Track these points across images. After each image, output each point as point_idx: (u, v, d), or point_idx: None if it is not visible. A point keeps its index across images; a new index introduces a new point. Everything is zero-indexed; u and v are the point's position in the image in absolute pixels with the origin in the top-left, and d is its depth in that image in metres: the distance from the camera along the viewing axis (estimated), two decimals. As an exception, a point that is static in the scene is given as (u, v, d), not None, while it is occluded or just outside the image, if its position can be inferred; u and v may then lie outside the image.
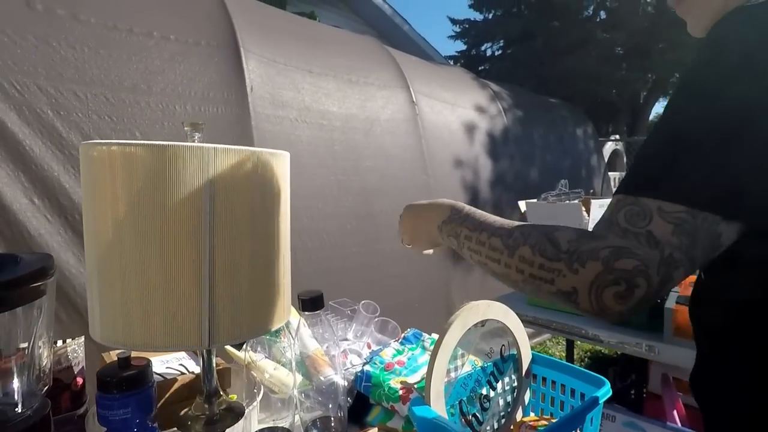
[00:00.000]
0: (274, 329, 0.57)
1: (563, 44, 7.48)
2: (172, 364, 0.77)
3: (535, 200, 1.55)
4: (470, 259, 0.59)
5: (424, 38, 7.10)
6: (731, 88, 0.42)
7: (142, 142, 0.47)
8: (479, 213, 0.61)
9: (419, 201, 0.75)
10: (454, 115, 3.01)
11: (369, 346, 0.94)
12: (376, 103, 2.45)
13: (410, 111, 2.61)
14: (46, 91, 1.42)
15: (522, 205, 1.58)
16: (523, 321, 1.45)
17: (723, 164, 0.42)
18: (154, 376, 0.73)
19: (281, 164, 0.56)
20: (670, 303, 1.14)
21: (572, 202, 1.43)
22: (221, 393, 0.60)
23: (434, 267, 2.51)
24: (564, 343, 2.65)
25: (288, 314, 0.61)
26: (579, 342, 1.46)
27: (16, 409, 0.55)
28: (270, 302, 0.55)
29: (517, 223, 0.55)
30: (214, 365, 0.60)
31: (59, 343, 0.67)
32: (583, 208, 1.40)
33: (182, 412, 0.59)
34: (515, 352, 0.77)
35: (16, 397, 0.56)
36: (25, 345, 0.57)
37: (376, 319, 1.00)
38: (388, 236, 2.29)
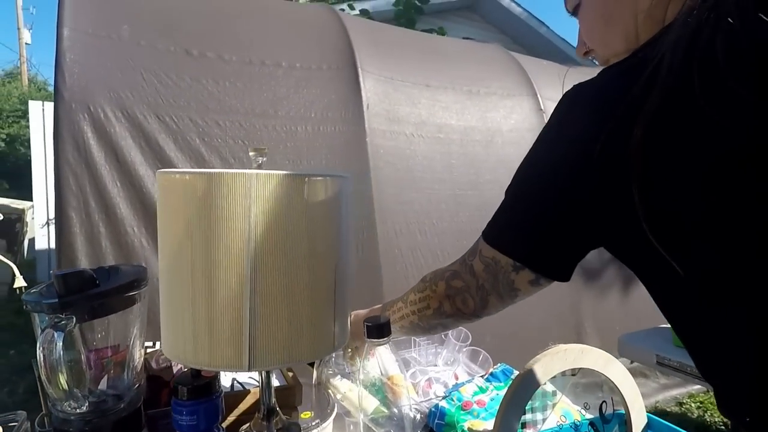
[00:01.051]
0: (324, 356, 0.55)
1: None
2: (255, 374, 0.80)
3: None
4: None
5: (564, 39, 6.59)
6: (542, 154, 0.50)
7: (197, 170, 0.50)
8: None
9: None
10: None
11: (456, 377, 0.86)
12: (498, 114, 2.32)
13: (537, 119, 2.41)
14: (195, 121, 1.67)
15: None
16: (666, 366, 1.20)
17: (521, 221, 0.50)
18: (235, 385, 0.77)
19: (333, 187, 0.54)
20: None
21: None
22: (278, 411, 0.60)
23: (560, 287, 2.25)
24: (714, 407, 2.10)
25: (342, 341, 0.58)
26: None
27: (115, 401, 0.62)
28: (317, 329, 0.53)
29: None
30: (273, 384, 0.60)
31: (157, 344, 0.76)
32: None
33: (243, 428, 0.61)
34: (623, 412, 0.62)
35: (116, 389, 0.64)
36: (122, 345, 0.64)
37: (466, 348, 0.92)
38: (508, 254, 2.14)
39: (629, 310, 2.45)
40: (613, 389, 0.61)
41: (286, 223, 0.49)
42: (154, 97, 1.63)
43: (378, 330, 0.65)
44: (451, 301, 0.58)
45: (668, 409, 2.38)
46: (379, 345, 0.66)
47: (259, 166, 0.59)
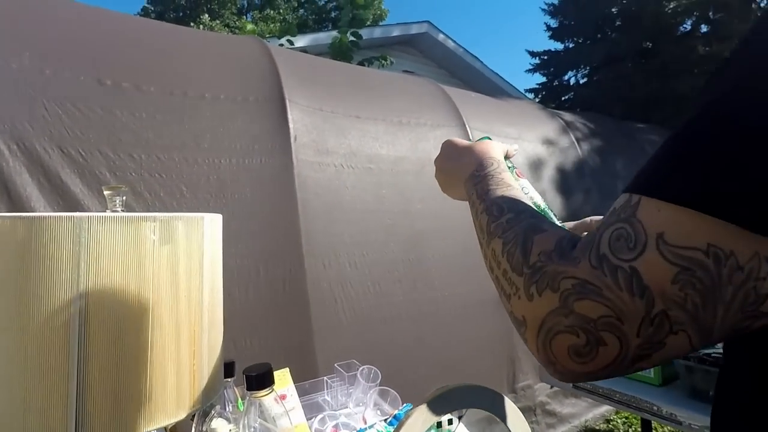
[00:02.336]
0: (180, 418, 0.49)
1: (656, 65, 6.88)
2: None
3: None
4: None
5: (497, 74, 7.00)
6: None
7: (18, 214, 0.45)
8: (500, 175, 0.53)
9: (456, 141, 0.66)
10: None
11: (364, 421, 0.82)
12: (429, 144, 2.38)
13: (465, 149, 2.49)
14: (106, 155, 1.57)
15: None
16: (579, 389, 1.22)
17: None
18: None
19: (191, 228, 0.50)
20: None
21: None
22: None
23: (494, 312, 2.29)
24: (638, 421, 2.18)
25: (209, 397, 0.53)
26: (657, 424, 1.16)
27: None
28: (168, 391, 0.48)
29: (524, 203, 0.46)
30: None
31: None
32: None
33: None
34: (513, 451, 0.60)
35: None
36: None
37: (376, 388, 0.88)
38: (442, 282, 2.15)
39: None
40: (503, 428, 0.59)
41: (129, 272, 0.45)
42: (58, 129, 1.52)
43: (258, 381, 0.60)
44: (548, 337, 0.32)
45: (596, 427, 2.43)
46: (263, 396, 0.61)
47: (117, 207, 0.54)
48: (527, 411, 2.20)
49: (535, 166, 2.86)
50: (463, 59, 6.58)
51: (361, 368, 0.92)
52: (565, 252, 0.34)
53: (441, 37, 6.34)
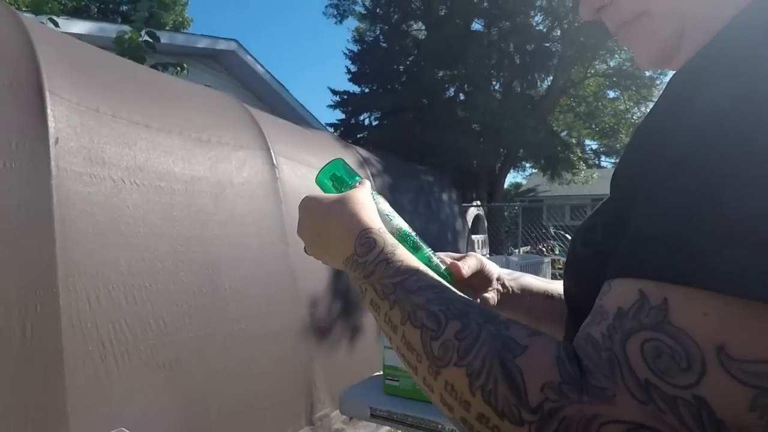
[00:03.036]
0: None
1: (431, 119, 8.19)
2: None
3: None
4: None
5: (302, 105, 7.18)
6: None
7: None
8: (394, 255, 0.38)
9: (313, 206, 0.49)
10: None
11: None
12: (230, 165, 2.23)
13: (269, 174, 2.43)
14: None
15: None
16: (376, 417, 1.27)
17: None
18: None
19: None
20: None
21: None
22: None
23: (294, 341, 2.24)
24: None
25: None
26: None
27: None
28: None
29: (454, 293, 0.34)
30: None
31: None
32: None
33: None
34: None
35: None
36: None
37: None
38: (239, 314, 1.99)
39: (355, 360, 2.63)
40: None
41: None
42: None
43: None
44: None
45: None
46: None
47: None
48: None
49: (336, 197, 2.99)
50: (270, 85, 6.55)
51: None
52: (582, 381, 0.25)
53: (249, 59, 6.18)
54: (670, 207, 0.25)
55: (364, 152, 3.85)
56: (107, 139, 1.72)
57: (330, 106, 9.59)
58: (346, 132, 9.35)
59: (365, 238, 0.41)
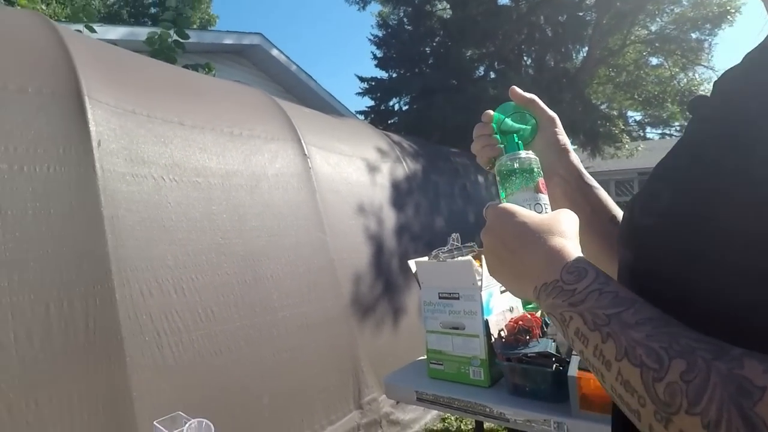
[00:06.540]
0: None
1: (461, 100, 8.00)
2: None
3: (425, 258, 1.41)
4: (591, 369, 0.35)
5: (331, 94, 7.19)
6: None
7: None
8: (612, 286, 0.35)
9: (520, 211, 0.46)
10: (352, 167, 2.90)
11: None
12: (263, 157, 2.25)
13: (302, 164, 2.44)
14: None
15: (412, 265, 1.43)
16: (423, 400, 1.26)
17: None
18: None
19: None
20: (573, 370, 1.01)
21: (464, 258, 1.31)
22: None
23: (336, 327, 2.26)
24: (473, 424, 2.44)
25: None
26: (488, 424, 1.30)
27: None
28: None
29: (677, 328, 0.31)
30: None
31: None
32: (476, 263, 1.28)
33: None
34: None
35: None
36: None
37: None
38: (282, 303, 2.03)
39: (399, 343, 2.64)
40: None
41: None
42: None
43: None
44: None
45: (434, 428, 2.62)
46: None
47: None
48: (374, 425, 2.22)
49: (369, 183, 2.98)
50: (297, 76, 6.58)
51: (189, 423, 0.77)
52: None
53: (275, 51, 6.22)
54: None
55: (395, 137, 3.81)
56: (145, 138, 1.78)
57: (358, 94, 9.54)
58: (377, 118, 9.30)
59: (575, 267, 0.38)
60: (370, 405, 2.25)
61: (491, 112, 0.62)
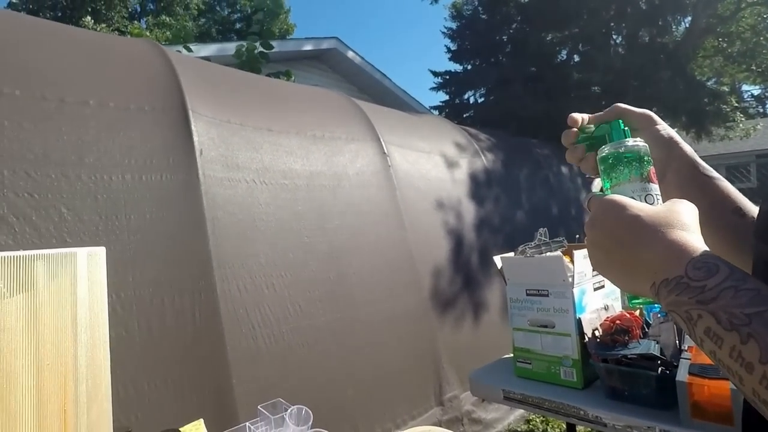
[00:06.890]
0: None
1: (542, 87, 7.62)
2: None
3: (511, 254, 1.37)
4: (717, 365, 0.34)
5: (405, 91, 7.23)
6: None
7: None
8: (750, 284, 0.33)
9: (631, 203, 0.43)
10: (431, 164, 2.90)
11: (299, 467, 0.72)
12: (344, 157, 2.33)
13: (381, 163, 2.49)
14: (-48, 170, 1.28)
15: (498, 260, 1.39)
16: (510, 399, 1.23)
17: None
18: None
19: (54, 269, 0.38)
20: (682, 375, 0.92)
21: (554, 254, 1.25)
22: None
23: (417, 325, 2.28)
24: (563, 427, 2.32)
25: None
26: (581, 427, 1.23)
27: None
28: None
29: None
30: None
31: None
32: (567, 260, 1.22)
33: None
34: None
35: None
36: None
37: (309, 431, 0.79)
38: (364, 299, 2.09)
39: (481, 341, 2.59)
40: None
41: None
42: None
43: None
44: None
45: (518, 429, 2.53)
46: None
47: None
48: (455, 422, 2.21)
49: (447, 178, 2.95)
50: (372, 76, 6.70)
51: (290, 409, 0.82)
52: None
53: (350, 53, 6.40)
54: None
55: (472, 130, 3.74)
56: (238, 145, 1.92)
57: (432, 89, 9.49)
58: (452, 113, 9.17)
59: (703, 262, 0.35)
60: (452, 402, 2.24)
61: (577, 116, 0.57)
